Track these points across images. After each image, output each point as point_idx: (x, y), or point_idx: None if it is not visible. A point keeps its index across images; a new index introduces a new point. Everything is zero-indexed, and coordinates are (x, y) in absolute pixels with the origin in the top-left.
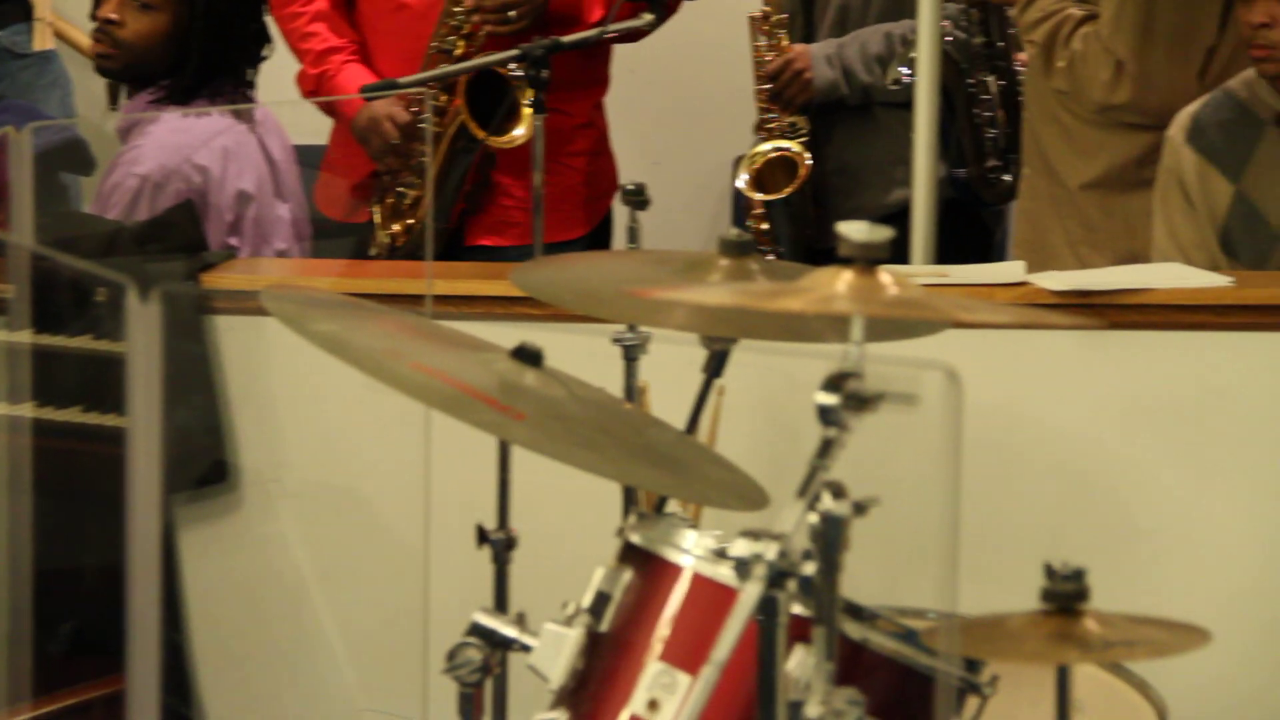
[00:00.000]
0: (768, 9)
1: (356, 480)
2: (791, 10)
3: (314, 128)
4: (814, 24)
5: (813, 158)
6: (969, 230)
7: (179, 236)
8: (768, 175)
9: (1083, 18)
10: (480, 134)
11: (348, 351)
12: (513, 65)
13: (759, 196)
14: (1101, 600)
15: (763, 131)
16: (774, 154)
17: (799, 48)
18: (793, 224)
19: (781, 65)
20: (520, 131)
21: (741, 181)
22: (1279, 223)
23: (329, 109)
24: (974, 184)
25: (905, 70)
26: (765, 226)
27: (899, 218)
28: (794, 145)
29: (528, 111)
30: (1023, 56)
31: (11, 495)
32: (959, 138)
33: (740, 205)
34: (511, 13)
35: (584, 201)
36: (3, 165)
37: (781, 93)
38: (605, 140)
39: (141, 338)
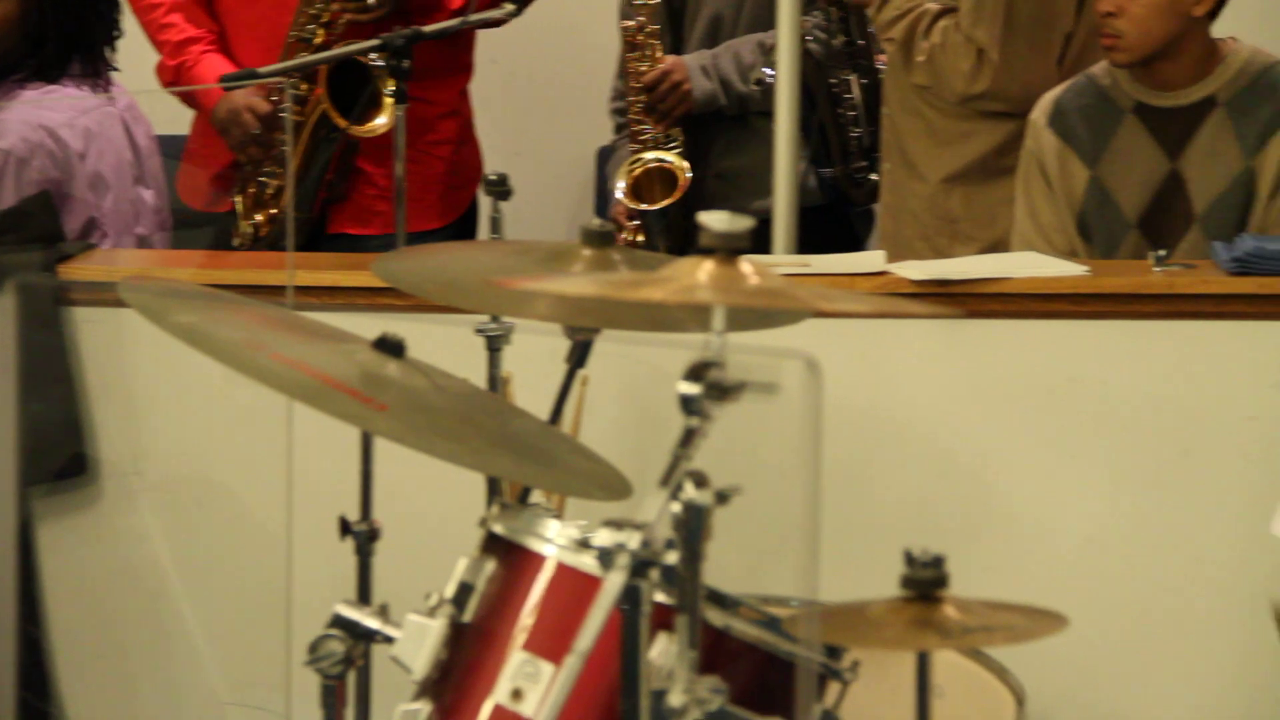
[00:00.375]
0: (641, 19)
1: (218, 472)
2: (660, 22)
3: (175, 118)
4: (682, 36)
5: (690, 168)
6: (837, 233)
7: (35, 227)
8: (644, 184)
9: (939, 11)
10: (342, 123)
11: (208, 343)
12: (374, 54)
13: (638, 206)
14: (962, 586)
15: (636, 142)
16: (654, 164)
17: (672, 59)
18: (668, 233)
19: (659, 77)
20: (382, 120)
21: (620, 191)
22: (1130, 210)
23: (189, 99)
24: (840, 184)
25: (768, 71)
26: (640, 238)
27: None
28: (674, 158)
29: (389, 100)
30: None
31: None
32: (824, 138)
33: (604, 197)
34: (371, 0)
35: (448, 191)
36: None
37: (659, 104)
38: (470, 129)
39: None
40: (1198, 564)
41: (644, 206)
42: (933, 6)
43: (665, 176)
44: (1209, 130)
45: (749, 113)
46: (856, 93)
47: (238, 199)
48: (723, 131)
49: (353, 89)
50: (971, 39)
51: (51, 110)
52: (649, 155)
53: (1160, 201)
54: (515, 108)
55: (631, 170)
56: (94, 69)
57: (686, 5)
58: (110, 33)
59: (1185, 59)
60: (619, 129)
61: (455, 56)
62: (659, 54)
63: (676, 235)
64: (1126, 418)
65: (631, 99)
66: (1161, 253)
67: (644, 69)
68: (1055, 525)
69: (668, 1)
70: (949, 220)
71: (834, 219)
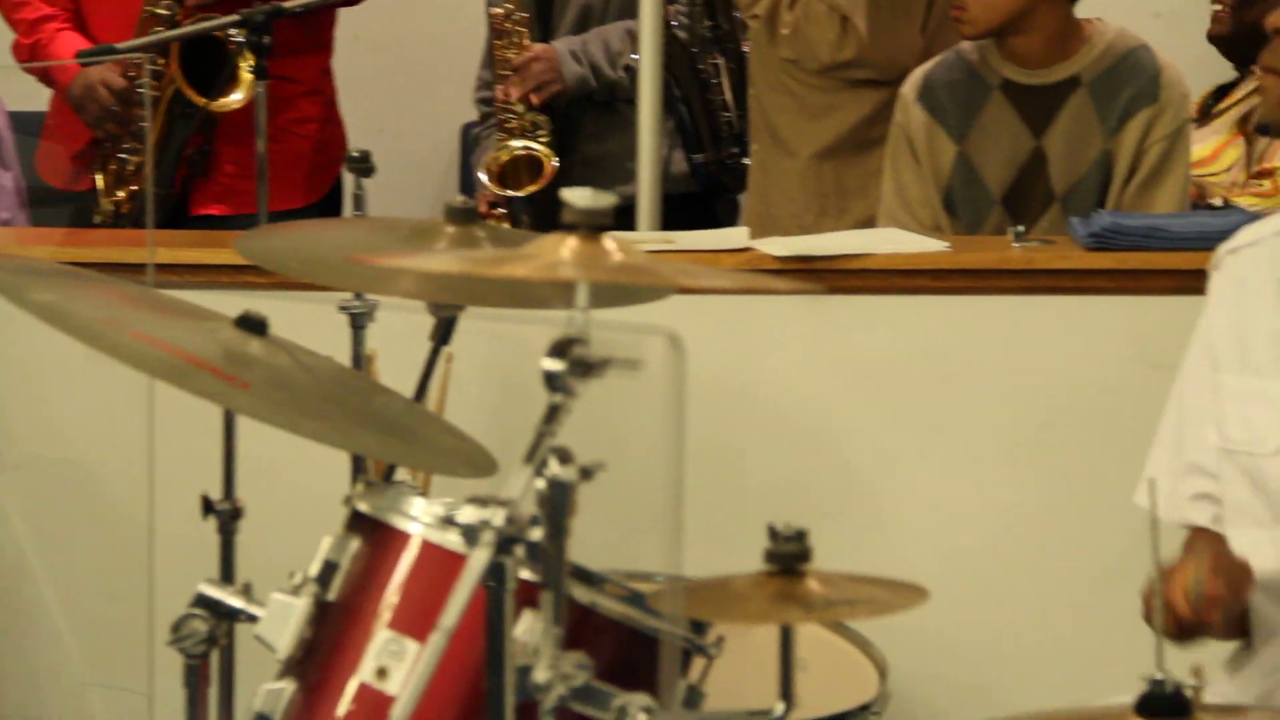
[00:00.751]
0: (509, 6)
1: (79, 452)
2: (529, 9)
3: (31, 94)
4: (551, 24)
5: (557, 155)
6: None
7: None
8: (510, 171)
9: None
10: (198, 99)
11: (67, 322)
12: (233, 30)
13: (504, 192)
14: (825, 560)
15: (503, 130)
16: (520, 151)
17: (540, 46)
18: (534, 217)
19: (527, 61)
20: (238, 96)
21: (485, 177)
22: (995, 186)
23: (45, 77)
24: (713, 170)
25: (636, 56)
26: (505, 225)
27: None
28: (541, 146)
29: (247, 76)
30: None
31: None
32: (695, 123)
33: (469, 181)
34: None
35: (312, 170)
36: None
37: (531, 89)
38: (334, 107)
39: None
40: (1056, 536)
41: (510, 193)
42: None
43: (532, 164)
44: (1071, 109)
45: (617, 99)
46: (725, 77)
47: (98, 176)
48: (589, 118)
49: (210, 65)
50: (835, 7)
51: None
52: (516, 143)
53: (1023, 179)
54: (378, 85)
55: (498, 157)
56: None
57: None
58: None
59: (1040, 35)
60: (484, 118)
61: (316, 33)
62: (526, 41)
63: (543, 222)
64: (986, 392)
65: (499, 86)
66: (1020, 229)
67: (511, 56)
68: (916, 499)
69: None
70: (821, 195)
71: (702, 205)
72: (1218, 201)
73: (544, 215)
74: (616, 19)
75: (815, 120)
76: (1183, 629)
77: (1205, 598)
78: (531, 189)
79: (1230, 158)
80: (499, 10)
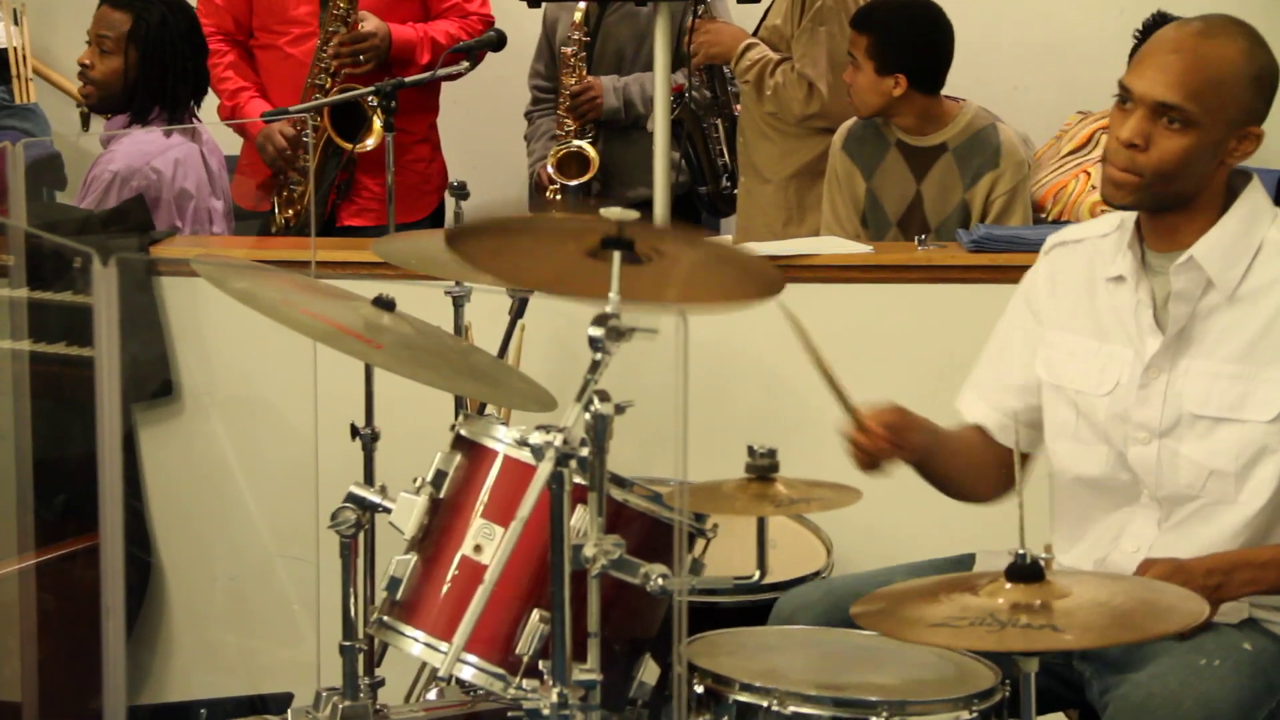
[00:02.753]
0: (575, 48)
1: (265, 393)
2: (585, 50)
3: (229, 143)
4: (592, 59)
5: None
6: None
7: (133, 220)
8: (564, 165)
9: (780, 59)
10: (344, 144)
11: (256, 302)
12: (370, 96)
13: (561, 180)
14: (791, 470)
15: (560, 131)
16: (575, 149)
17: (591, 79)
18: (577, 200)
19: (582, 89)
20: (371, 142)
21: (550, 168)
22: (892, 214)
23: (239, 130)
24: (712, 199)
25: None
26: (559, 199)
27: (648, 208)
28: (589, 148)
29: (378, 127)
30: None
31: (16, 406)
32: (700, 164)
33: (534, 196)
34: (361, 57)
35: (422, 194)
36: (2, 172)
37: (577, 109)
38: (438, 150)
39: (104, 292)
40: None
41: (563, 181)
42: (774, 56)
43: (578, 159)
44: (941, 166)
45: (638, 128)
46: (721, 132)
47: (274, 199)
48: (616, 135)
49: (352, 120)
50: (804, 76)
51: (149, 145)
52: (574, 142)
53: (909, 211)
54: (473, 134)
55: (558, 152)
56: (177, 115)
57: (596, 37)
58: (198, 90)
59: (910, 116)
60: (536, 101)
61: (426, 99)
62: (583, 72)
63: (582, 201)
64: (899, 353)
65: (561, 105)
66: (923, 236)
67: (571, 82)
68: None
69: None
70: (787, 210)
71: (691, 208)
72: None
73: (583, 197)
74: (645, 55)
75: (785, 156)
76: (863, 462)
77: (869, 433)
78: (581, 180)
79: None
80: (568, 50)
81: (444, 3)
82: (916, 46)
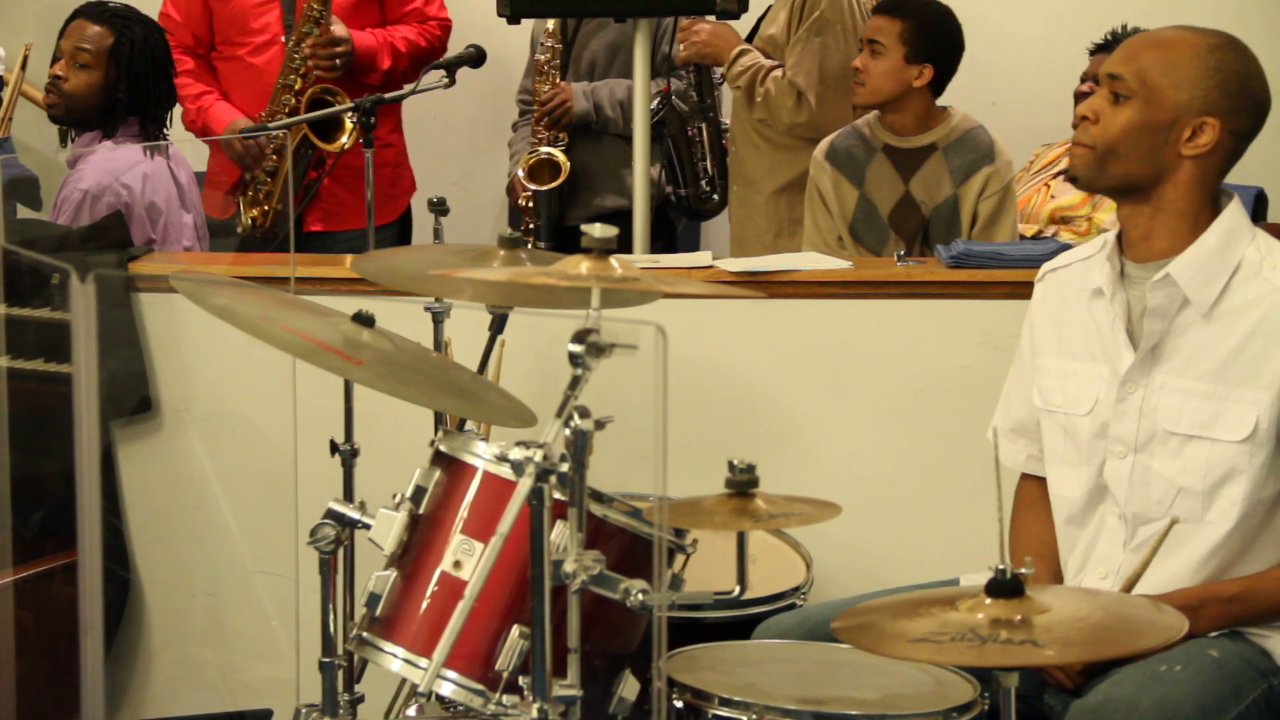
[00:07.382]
0: (548, 55)
1: (245, 410)
2: (559, 57)
3: (199, 157)
4: (567, 67)
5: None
6: (669, 235)
7: (112, 237)
8: (536, 171)
9: (771, 67)
10: (326, 148)
11: (235, 318)
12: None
13: (533, 186)
14: (770, 485)
15: (534, 138)
16: (545, 156)
17: (565, 85)
18: (548, 205)
19: (551, 94)
20: (344, 140)
21: (520, 173)
22: (886, 214)
23: (205, 132)
24: (691, 202)
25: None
26: (531, 204)
27: (615, 217)
28: (559, 154)
29: (349, 125)
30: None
31: None
32: (682, 169)
33: (513, 209)
34: (338, 61)
35: (389, 198)
36: None
37: (549, 114)
38: (403, 155)
39: (83, 309)
40: (929, 468)
41: (535, 186)
42: (767, 63)
43: (550, 165)
44: (929, 165)
45: (609, 132)
46: (705, 136)
47: (240, 200)
48: (586, 140)
49: (324, 122)
50: (794, 85)
51: (117, 161)
52: (544, 149)
53: (901, 210)
54: (452, 151)
55: (529, 159)
56: (149, 131)
57: (573, 45)
58: (167, 105)
59: (910, 114)
60: (521, 114)
61: (391, 106)
62: (556, 79)
63: (552, 205)
64: (878, 367)
65: (535, 111)
66: (901, 252)
67: (545, 88)
68: (831, 443)
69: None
70: (778, 222)
71: (668, 226)
72: (1047, 233)
73: (554, 201)
74: (621, 68)
75: (774, 168)
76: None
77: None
78: (552, 185)
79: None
80: (541, 58)
81: (402, 8)
82: (948, 42)
